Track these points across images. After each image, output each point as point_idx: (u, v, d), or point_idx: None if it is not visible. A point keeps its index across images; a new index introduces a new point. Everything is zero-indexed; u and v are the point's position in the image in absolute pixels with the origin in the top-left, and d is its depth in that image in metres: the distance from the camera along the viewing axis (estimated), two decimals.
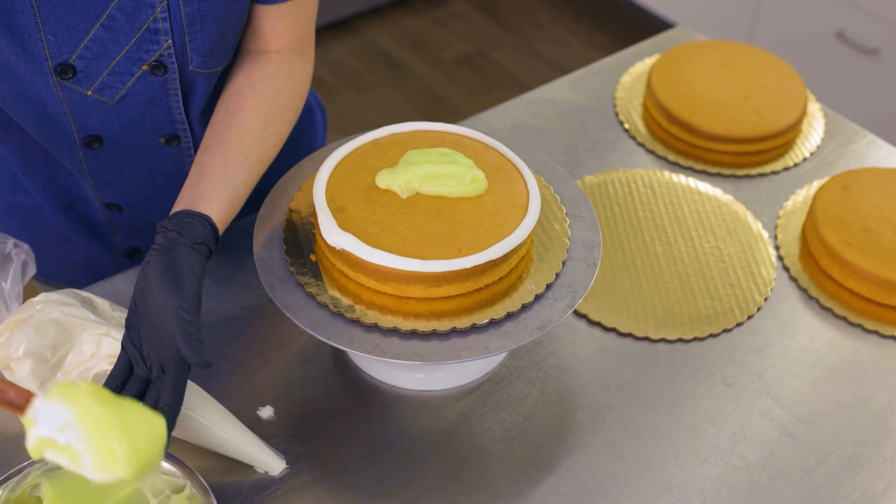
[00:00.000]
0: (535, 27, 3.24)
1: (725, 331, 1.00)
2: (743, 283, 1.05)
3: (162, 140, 0.98)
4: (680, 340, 0.99)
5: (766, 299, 1.04)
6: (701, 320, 1.01)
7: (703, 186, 1.16)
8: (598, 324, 1.00)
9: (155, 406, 0.75)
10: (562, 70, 2.94)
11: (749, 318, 1.02)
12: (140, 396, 0.77)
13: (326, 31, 3.07)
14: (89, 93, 0.90)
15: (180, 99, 0.94)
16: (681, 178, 1.17)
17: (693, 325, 1.00)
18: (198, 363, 0.73)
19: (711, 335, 1.00)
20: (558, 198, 0.94)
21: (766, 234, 1.10)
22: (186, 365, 0.75)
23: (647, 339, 0.99)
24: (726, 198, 1.14)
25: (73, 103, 0.91)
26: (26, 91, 0.90)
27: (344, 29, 3.13)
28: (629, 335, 0.99)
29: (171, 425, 0.74)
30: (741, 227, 1.11)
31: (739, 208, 1.13)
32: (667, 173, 1.17)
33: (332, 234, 0.84)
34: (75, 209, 1.08)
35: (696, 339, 0.99)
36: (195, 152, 1.00)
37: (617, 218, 1.11)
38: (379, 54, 3.06)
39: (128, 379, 0.78)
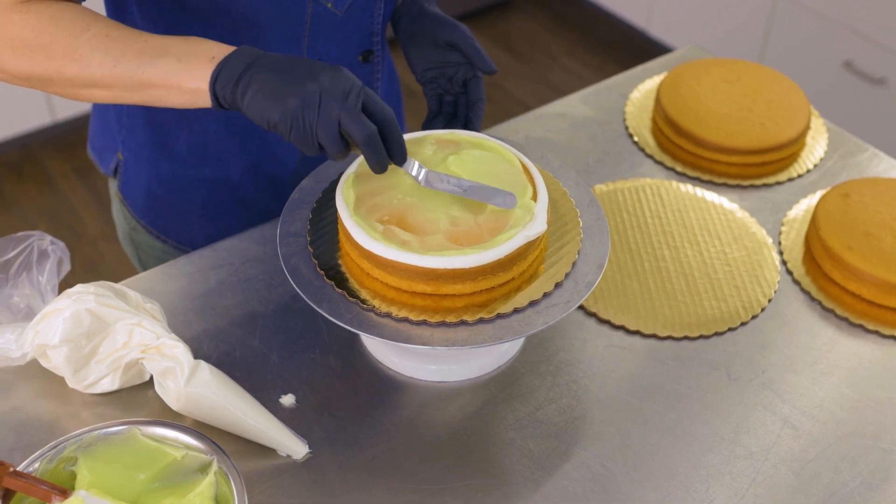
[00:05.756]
0: (548, 59, 3.30)
1: (730, 329, 1.04)
2: (748, 285, 1.09)
3: (360, 58, 1.11)
4: (686, 338, 1.03)
5: (769, 300, 1.08)
6: (707, 320, 1.05)
7: (710, 195, 1.20)
8: (607, 322, 1.04)
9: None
10: None
11: (753, 318, 1.06)
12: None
13: None
14: (329, 5, 1.01)
15: (384, 2, 1.07)
16: (688, 188, 1.21)
17: (699, 324, 1.04)
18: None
19: (717, 333, 1.04)
20: (573, 201, 0.99)
21: (769, 240, 1.14)
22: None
23: (654, 336, 1.03)
24: (731, 206, 1.19)
25: (314, 22, 1.02)
26: (278, 19, 1.01)
27: None
28: (637, 333, 1.03)
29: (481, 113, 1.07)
30: (746, 234, 1.15)
31: (744, 216, 1.17)
32: (674, 183, 1.22)
33: (362, 238, 0.89)
34: (263, 170, 1.15)
35: (701, 336, 1.03)
36: (382, 69, 1.15)
37: (626, 224, 1.15)
38: None
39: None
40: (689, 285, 1.08)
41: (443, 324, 0.87)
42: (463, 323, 0.88)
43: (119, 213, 1.24)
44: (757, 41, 2.72)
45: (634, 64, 1.44)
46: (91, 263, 2.41)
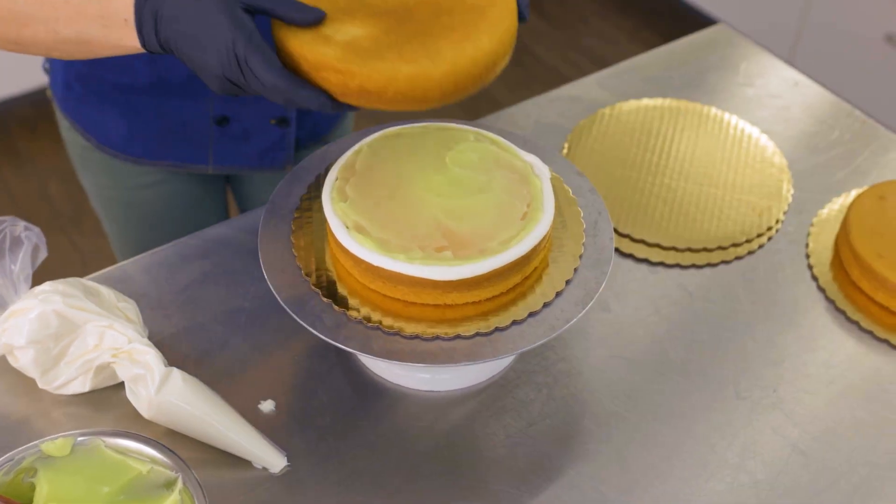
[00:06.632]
0: (580, 21, 3.20)
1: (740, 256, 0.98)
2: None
3: (272, 122, 1.14)
4: (693, 265, 1.00)
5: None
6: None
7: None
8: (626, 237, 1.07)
9: None
10: (605, 66, 2.91)
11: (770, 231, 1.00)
12: None
13: None
14: None
15: None
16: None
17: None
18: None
19: (735, 257, 1.07)
20: (576, 199, 0.93)
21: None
22: None
23: (671, 264, 1.03)
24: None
25: None
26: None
27: None
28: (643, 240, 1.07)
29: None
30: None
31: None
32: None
33: (349, 242, 0.83)
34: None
35: (721, 262, 1.06)
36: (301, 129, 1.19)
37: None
38: None
39: None
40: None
41: (437, 338, 0.82)
42: (459, 337, 0.82)
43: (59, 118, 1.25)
44: (795, 9, 2.61)
45: (668, 28, 1.37)
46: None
